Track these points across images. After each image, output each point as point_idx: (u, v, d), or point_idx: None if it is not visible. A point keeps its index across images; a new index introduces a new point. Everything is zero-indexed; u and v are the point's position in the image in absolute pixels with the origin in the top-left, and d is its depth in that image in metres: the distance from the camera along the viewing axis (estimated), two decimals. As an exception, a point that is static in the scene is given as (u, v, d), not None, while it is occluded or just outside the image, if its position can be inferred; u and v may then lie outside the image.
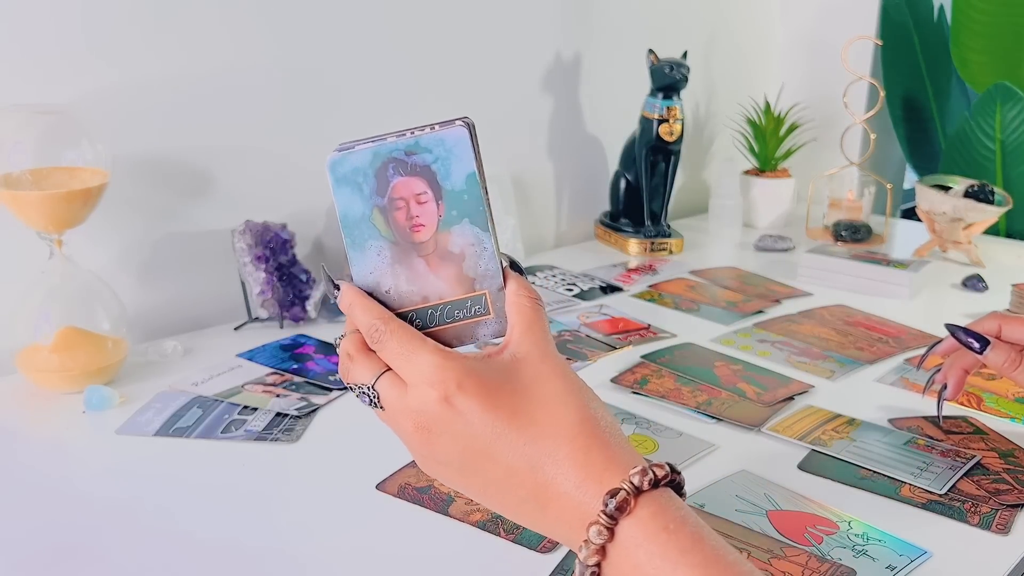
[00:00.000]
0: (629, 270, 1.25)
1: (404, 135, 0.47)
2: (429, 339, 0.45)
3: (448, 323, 0.47)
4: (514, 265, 0.48)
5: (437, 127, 0.46)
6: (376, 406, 0.46)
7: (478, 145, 0.46)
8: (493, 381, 0.44)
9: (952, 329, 0.73)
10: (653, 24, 1.43)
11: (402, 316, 0.47)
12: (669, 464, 0.42)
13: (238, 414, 0.80)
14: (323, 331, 0.99)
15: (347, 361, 0.47)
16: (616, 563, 0.41)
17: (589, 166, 1.42)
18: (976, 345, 0.71)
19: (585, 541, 0.41)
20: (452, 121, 0.46)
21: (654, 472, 0.41)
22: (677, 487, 0.43)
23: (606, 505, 0.41)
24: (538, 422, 0.43)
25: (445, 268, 0.47)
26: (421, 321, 0.47)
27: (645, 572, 0.40)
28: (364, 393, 0.46)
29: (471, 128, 0.46)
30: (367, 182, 0.47)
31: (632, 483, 0.41)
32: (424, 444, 0.45)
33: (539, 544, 0.61)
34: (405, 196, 0.47)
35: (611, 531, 0.41)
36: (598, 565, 0.41)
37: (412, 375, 0.44)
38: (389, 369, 0.45)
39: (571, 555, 0.60)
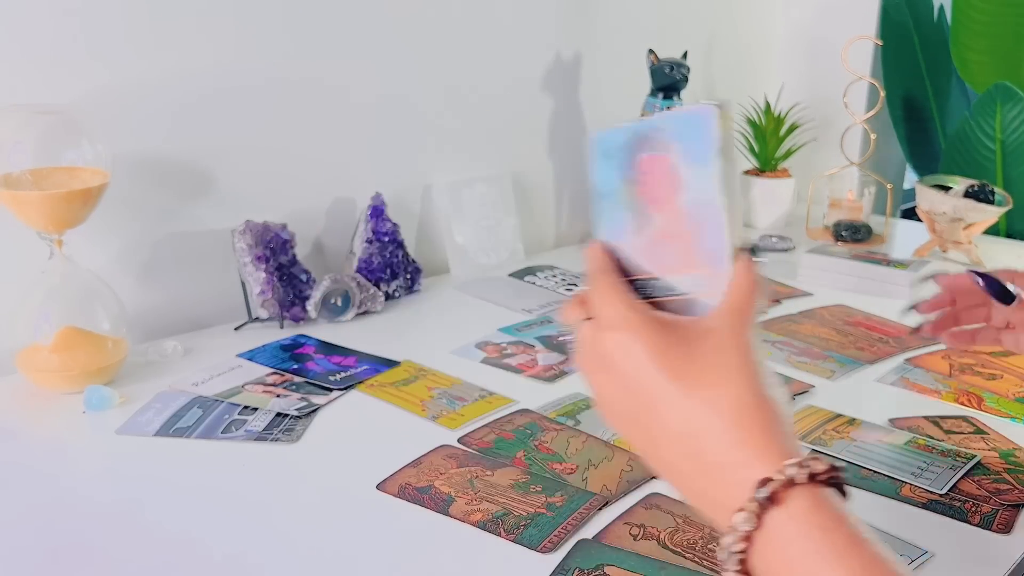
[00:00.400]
0: (629, 270, 1.25)
1: (660, 115, 0.48)
2: (626, 292, 0.47)
3: (670, 296, 0.48)
4: (750, 249, 0.47)
5: (690, 107, 0.47)
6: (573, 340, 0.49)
7: (726, 128, 0.45)
8: (670, 339, 0.44)
9: (977, 276, 0.72)
10: (653, 24, 1.43)
11: (632, 283, 0.48)
12: (831, 460, 0.40)
13: (238, 414, 0.80)
14: (323, 331, 0.99)
15: (566, 305, 0.50)
16: (763, 553, 0.39)
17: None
18: (998, 288, 0.70)
19: (730, 527, 0.39)
20: (703, 103, 0.46)
21: (812, 466, 0.39)
22: (838, 486, 0.40)
23: (756, 493, 0.39)
24: (701, 389, 0.43)
25: (677, 243, 0.48)
26: (647, 290, 0.48)
27: (796, 570, 0.38)
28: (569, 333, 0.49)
29: (720, 109, 0.46)
30: (620, 157, 0.49)
31: (786, 474, 0.39)
32: (601, 388, 0.47)
33: (539, 544, 0.61)
34: (649, 172, 0.48)
35: (759, 519, 0.39)
36: (743, 552, 0.39)
37: (602, 320, 0.46)
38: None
39: (571, 555, 0.60)
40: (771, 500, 0.39)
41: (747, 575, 0.40)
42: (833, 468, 0.40)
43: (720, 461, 0.41)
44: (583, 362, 0.48)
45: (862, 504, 0.67)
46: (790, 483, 0.39)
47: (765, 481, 0.39)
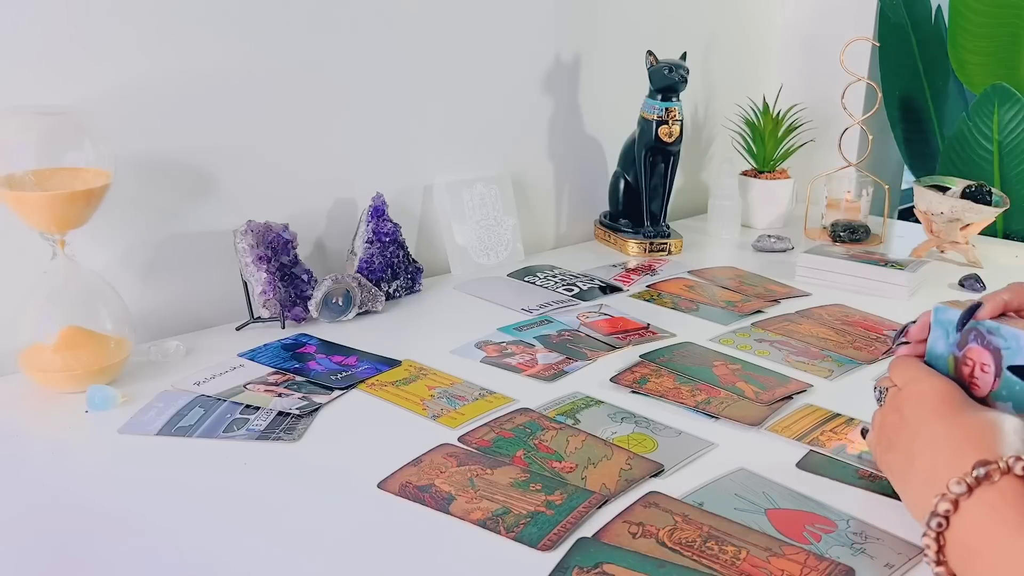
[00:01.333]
0: (628, 270, 1.26)
1: (998, 319, 0.61)
2: (923, 363, 0.63)
3: None
4: None
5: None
6: (880, 402, 0.66)
7: None
8: (956, 392, 0.58)
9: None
10: (652, 25, 1.44)
11: None
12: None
13: (240, 413, 0.80)
14: (325, 331, 1.00)
15: (883, 379, 0.67)
16: (963, 520, 0.50)
17: (589, 167, 1.43)
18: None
19: (943, 495, 0.50)
20: None
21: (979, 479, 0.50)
22: None
23: (975, 471, 0.50)
24: (959, 417, 0.56)
25: None
26: None
27: (989, 533, 0.49)
28: (878, 390, 0.67)
29: None
30: (952, 334, 0.62)
31: (1006, 463, 0.49)
32: (886, 423, 0.62)
33: (539, 542, 0.61)
34: (974, 359, 0.60)
35: (971, 490, 0.50)
36: (946, 517, 0.50)
37: (907, 380, 0.61)
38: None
39: (570, 553, 0.60)
40: (986, 477, 0.49)
41: (942, 541, 0.51)
42: None
43: (952, 458, 0.53)
44: (885, 411, 0.63)
45: (861, 503, 0.67)
46: (1006, 470, 0.49)
47: (985, 463, 0.50)
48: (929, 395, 0.59)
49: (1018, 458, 0.50)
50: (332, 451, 0.75)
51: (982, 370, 0.60)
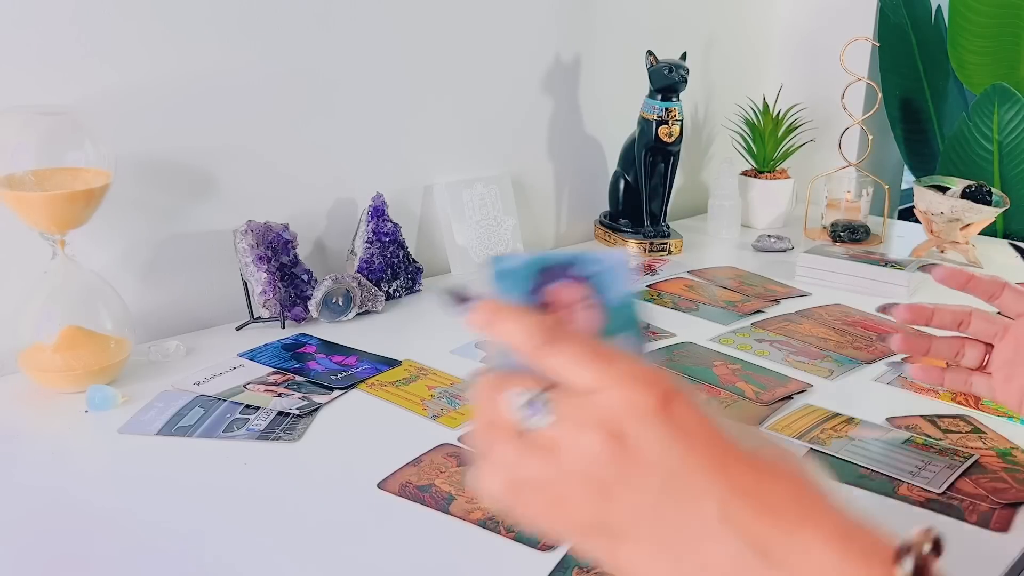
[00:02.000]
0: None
1: (569, 252, 0.49)
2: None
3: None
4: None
5: (603, 251, 0.48)
6: (545, 415, 0.37)
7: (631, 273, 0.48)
8: (717, 426, 0.35)
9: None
10: (652, 25, 1.44)
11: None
12: (935, 537, 0.35)
13: (240, 413, 0.80)
14: (325, 331, 1.00)
15: (497, 380, 0.40)
16: None
17: (589, 167, 1.43)
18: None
19: None
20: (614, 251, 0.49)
21: (922, 558, 0.34)
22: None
23: None
24: (801, 522, 0.34)
25: None
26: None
27: None
28: (530, 402, 0.37)
29: (627, 258, 0.47)
30: (523, 282, 0.49)
31: (917, 557, 0.33)
32: (607, 464, 0.34)
33: (539, 542, 0.61)
34: (566, 300, 0.47)
35: None
36: None
37: (610, 376, 0.35)
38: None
39: (570, 554, 0.60)
40: None
41: None
42: (936, 546, 0.35)
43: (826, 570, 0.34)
44: (572, 431, 0.35)
45: (861, 503, 0.67)
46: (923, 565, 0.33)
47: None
48: (682, 422, 0.34)
49: (925, 535, 0.34)
50: (332, 451, 0.75)
51: (575, 305, 0.46)
